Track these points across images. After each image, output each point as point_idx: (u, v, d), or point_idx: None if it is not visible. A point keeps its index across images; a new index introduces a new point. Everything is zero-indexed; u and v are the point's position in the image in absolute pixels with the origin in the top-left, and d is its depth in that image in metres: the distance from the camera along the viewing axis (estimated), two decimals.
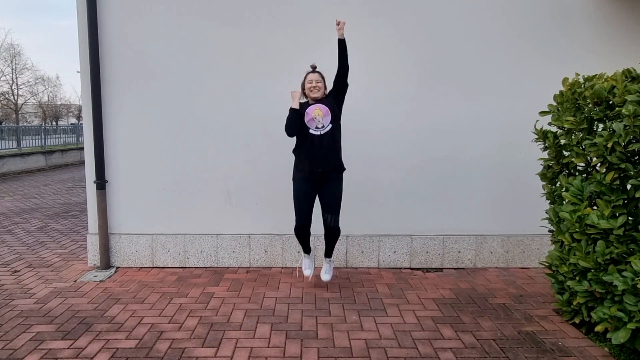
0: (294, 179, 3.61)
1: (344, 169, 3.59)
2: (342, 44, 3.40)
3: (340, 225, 3.63)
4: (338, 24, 3.37)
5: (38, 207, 7.85)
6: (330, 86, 3.56)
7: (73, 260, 4.67)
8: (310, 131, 3.43)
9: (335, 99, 3.49)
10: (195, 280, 4.07)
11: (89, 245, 4.43)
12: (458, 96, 4.24)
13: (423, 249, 4.41)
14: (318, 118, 3.41)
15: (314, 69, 3.54)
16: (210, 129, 4.30)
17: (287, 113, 3.48)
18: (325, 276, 3.73)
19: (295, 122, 3.42)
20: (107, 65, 4.22)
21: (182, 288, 3.88)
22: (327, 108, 3.43)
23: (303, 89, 3.55)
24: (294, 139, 3.56)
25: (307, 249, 3.80)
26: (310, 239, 3.80)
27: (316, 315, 3.34)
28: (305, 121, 3.43)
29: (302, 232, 3.63)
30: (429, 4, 4.16)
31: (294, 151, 3.62)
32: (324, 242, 3.78)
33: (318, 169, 3.43)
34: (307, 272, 3.80)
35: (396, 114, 4.26)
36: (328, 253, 3.78)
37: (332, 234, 3.62)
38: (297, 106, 3.44)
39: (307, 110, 3.44)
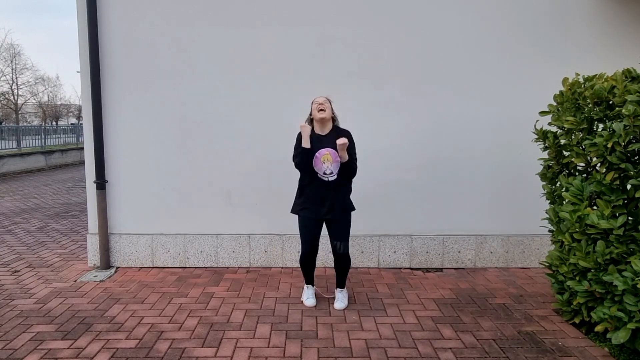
0: (298, 217, 3.41)
1: (353, 209, 3.42)
2: (345, 165, 3.23)
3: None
4: (338, 145, 3.16)
5: (38, 207, 7.85)
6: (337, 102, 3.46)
7: (73, 260, 4.67)
8: (319, 176, 3.26)
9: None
10: (195, 280, 4.07)
11: (89, 245, 4.43)
12: (458, 96, 4.24)
13: (423, 249, 4.41)
14: (327, 164, 3.24)
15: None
16: (210, 129, 4.29)
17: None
18: (339, 304, 3.48)
19: (309, 163, 3.24)
20: (107, 65, 4.22)
21: (182, 288, 3.88)
22: (337, 156, 3.23)
23: (311, 114, 3.37)
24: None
25: (309, 280, 3.59)
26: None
27: (316, 315, 3.34)
28: (314, 165, 3.25)
29: (308, 260, 3.43)
30: (430, 4, 4.17)
31: (298, 191, 3.43)
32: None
33: (322, 212, 3.29)
34: (309, 301, 3.53)
35: (396, 114, 4.26)
36: (340, 284, 3.55)
37: (342, 261, 3.40)
38: (308, 145, 3.21)
39: (316, 153, 3.25)
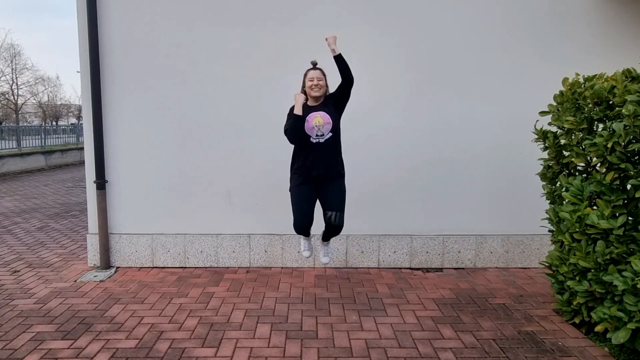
0: (291, 189, 3.40)
1: (344, 174, 3.42)
2: (338, 60, 3.21)
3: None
4: (327, 40, 3.22)
5: (38, 207, 7.85)
6: (331, 88, 3.48)
7: (73, 260, 4.67)
8: (311, 139, 3.27)
9: (336, 104, 3.34)
10: (195, 280, 4.07)
11: (89, 245, 4.43)
12: (458, 97, 4.24)
13: (423, 249, 4.41)
14: (319, 126, 3.26)
15: (314, 65, 3.36)
16: (211, 129, 4.30)
17: (286, 113, 3.44)
18: (325, 258, 3.58)
19: (299, 129, 3.25)
20: (107, 65, 4.22)
21: (182, 288, 3.88)
22: (328, 116, 3.27)
23: (303, 86, 3.39)
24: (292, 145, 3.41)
25: (307, 235, 3.60)
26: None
27: (316, 315, 3.34)
28: (305, 129, 3.27)
29: (302, 226, 3.38)
30: (429, 4, 4.17)
31: (291, 162, 3.44)
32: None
33: (315, 173, 3.28)
34: (306, 253, 3.63)
35: (396, 114, 4.26)
36: (325, 238, 3.54)
37: (334, 230, 3.36)
38: (300, 112, 3.26)
39: (307, 117, 3.27)
